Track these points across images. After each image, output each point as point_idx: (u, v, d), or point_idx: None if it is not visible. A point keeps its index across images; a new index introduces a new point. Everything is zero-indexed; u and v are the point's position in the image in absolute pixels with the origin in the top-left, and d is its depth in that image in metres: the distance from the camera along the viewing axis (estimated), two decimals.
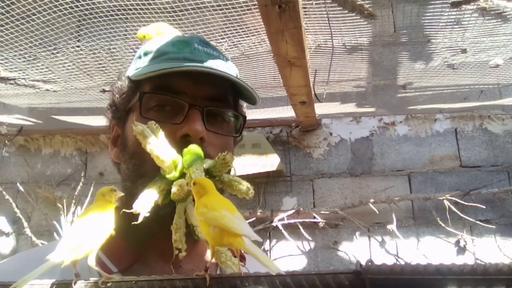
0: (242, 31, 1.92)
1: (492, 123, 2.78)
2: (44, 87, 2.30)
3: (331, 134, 2.85)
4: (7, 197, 2.79)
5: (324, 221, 2.60)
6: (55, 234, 2.72)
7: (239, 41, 1.98)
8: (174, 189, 0.62)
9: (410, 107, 2.81)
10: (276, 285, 0.49)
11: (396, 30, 2.10)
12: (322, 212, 2.61)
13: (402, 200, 2.60)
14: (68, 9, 1.74)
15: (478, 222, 2.51)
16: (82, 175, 2.90)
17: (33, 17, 1.74)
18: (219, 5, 1.77)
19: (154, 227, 0.70)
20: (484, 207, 2.51)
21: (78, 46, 2.08)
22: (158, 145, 0.65)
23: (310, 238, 2.63)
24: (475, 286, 0.44)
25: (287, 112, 2.57)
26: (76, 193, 2.78)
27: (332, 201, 2.73)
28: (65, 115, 2.67)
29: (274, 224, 2.61)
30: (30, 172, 2.97)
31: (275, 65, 1.66)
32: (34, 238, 2.74)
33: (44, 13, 1.73)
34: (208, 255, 0.80)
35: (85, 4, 1.74)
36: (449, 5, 1.84)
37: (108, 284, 0.52)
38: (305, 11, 1.64)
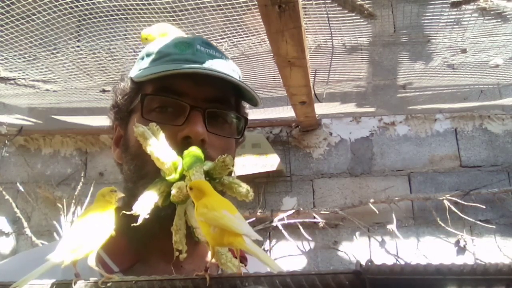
0: (242, 31, 1.92)
1: (492, 123, 2.78)
2: (44, 87, 2.30)
3: (331, 134, 2.85)
4: (7, 197, 2.79)
5: (324, 221, 2.60)
6: (55, 234, 2.72)
7: (239, 41, 1.98)
8: (173, 191, 0.62)
9: (410, 107, 2.81)
10: (276, 285, 0.48)
11: (396, 30, 2.10)
12: (322, 212, 2.61)
13: (402, 200, 2.61)
14: (68, 9, 1.74)
15: (478, 222, 2.51)
16: (82, 175, 2.90)
17: (33, 17, 1.74)
18: (219, 5, 1.76)
19: (154, 228, 0.70)
20: (484, 207, 2.51)
21: (78, 46, 2.08)
22: (158, 146, 0.65)
23: (310, 238, 2.63)
24: (475, 286, 0.44)
25: (287, 112, 2.57)
26: (76, 193, 2.78)
27: (332, 201, 2.73)
28: (65, 115, 2.67)
29: (274, 224, 2.61)
30: (30, 172, 2.97)
31: (275, 65, 1.66)
32: (34, 238, 2.74)
33: (44, 13, 1.73)
34: (210, 255, 0.80)
35: (85, 4, 1.74)
36: (449, 5, 1.84)
37: (108, 284, 0.52)
38: (305, 11, 1.64)
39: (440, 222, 2.52)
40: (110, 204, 0.58)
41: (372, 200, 2.59)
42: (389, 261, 2.22)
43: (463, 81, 2.49)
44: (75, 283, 0.52)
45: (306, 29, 1.61)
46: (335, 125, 2.87)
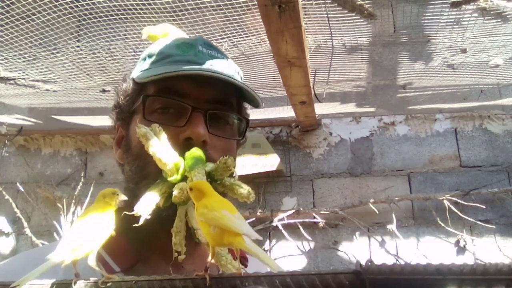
0: (242, 31, 1.92)
1: (492, 123, 2.78)
2: (44, 87, 2.30)
3: (331, 134, 2.86)
4: (7, 197, 2.79)
5: (324, 221, 2.60)
6: (55, 234, 2.72)
7: (239, 41, 1.98)
8: (175, 192, 0.62)
9: (410, 107, 2.81)
10: (276, 285, 0.48)
11: (396, 30, 2.10)
12: (322, 212, 2.62)
13: (402, 200, 2.61)
14: (68, 9, 1.74)
15: (478, 222, 2.51)
16: (82, 175, 2.90)
17: (33, 17, 1.74)
18: (219, 5, 1.77)
19: (156, 228, 0.70)
20: (484, 207, 2.51)
21: (78, 46, 2.08)
22: (160, 147, 0.65)
23: (310, 238, 2.63)
24: (475, 286, 0.44)
25: (287, 112, 2.57)
26: (76, 193, 2.78)
27: (332, 201, 2.73)
28: (65, 115, 2.67)
29: (274, 224, 2.61)
30: (30, 172, 2.97)
31: (275, 65, 1.67)
32: (34, 238, 2.74)
33: (44, 13, 1.73)
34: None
35: (85, 4, 1.74)
36: (449, 5, 1.84)
37: (108, 284, 0.52)
38: (305, 11, 1.64)
39: (440, 222, 2.52)
40: (110, 206, 0.58)
41: (372, 200, 2.59)
42: (389, 261, 2.22)
43: (463, 81, 2.49)
44: (75, 283, 0.52)
45: (306, 29, 1.61)
46: (335, 125, 2.87)
